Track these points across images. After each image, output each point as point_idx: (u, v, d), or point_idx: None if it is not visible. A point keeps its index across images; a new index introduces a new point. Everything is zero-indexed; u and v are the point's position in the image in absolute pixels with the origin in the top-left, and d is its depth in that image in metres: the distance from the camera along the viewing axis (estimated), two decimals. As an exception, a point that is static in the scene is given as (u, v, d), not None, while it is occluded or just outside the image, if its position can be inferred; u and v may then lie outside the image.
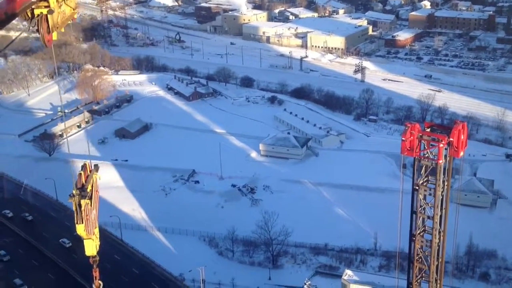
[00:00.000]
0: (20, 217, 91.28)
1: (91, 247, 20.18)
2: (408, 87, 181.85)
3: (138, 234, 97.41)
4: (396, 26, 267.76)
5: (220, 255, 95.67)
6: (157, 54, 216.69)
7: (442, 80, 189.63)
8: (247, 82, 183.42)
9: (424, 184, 45.28)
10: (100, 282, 21.21)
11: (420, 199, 45.71)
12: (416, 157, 44.32)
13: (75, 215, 18.98)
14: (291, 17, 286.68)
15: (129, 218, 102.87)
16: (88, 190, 19.45)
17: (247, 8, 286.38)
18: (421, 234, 46.95)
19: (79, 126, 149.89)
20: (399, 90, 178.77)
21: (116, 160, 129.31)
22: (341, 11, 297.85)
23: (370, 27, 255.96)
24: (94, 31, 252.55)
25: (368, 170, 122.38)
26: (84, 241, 20.04)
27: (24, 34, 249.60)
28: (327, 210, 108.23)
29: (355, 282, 74.92)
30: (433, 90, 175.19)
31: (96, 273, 21.68)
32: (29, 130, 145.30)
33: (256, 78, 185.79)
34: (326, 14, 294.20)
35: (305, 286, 77.04)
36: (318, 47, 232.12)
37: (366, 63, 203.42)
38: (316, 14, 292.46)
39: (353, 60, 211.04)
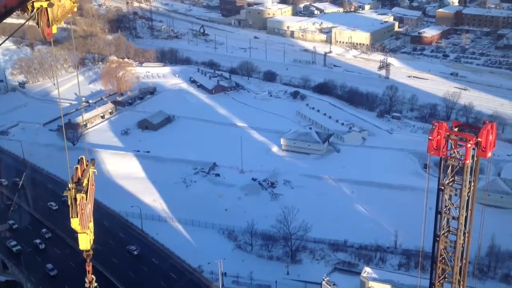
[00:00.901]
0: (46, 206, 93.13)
1: (85, 241, 20.00)
2: (433, 84, 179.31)
3: (159, 225, 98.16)
4: (423, 22, 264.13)
5: (239, 248, 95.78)
6: (181, 47, 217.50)
7: (468, 78, 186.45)
8: (270, 77, 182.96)
9: (450, 184, 44.54)
10: (93, 276, 21.02)
11: (446, 200, 45.03)
12: (443, 157, 43.56)
13: (70, 209, 18.94)
14: (316, 12, 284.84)
15: (150, 209, 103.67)
16: (84, 184, 19.38)
17: (272, 2, 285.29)
18: (445, 234, 46.27)
19: (102, 117, 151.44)
20: (424, 87, 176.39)
21: (138, 151, 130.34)
22: (367, 7, 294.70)
23: (396, 23, 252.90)
24: (120, 23, 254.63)
25: (390, 167, 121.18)
26: (79, 235, 19.98)
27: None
28: (348, 206, 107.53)
29: (374, 279, 74.36)
30: (459, 88, 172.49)
31: (89, 267, 21.43)
32: (53, 120, 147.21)
33: (279, 73, 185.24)
34: (352, 10, 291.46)
35: (324, 282, 76.65)
36: (343, 42, 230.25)
37: (391, 60, 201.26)
38: (341, 9, 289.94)
39: (378, 56, 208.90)
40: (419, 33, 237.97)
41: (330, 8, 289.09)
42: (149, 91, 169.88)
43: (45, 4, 14.54)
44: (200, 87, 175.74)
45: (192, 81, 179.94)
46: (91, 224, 19.94)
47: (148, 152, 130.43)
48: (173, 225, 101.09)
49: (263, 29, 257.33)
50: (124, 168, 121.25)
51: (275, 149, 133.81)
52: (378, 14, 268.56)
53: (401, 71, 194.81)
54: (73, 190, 18.82)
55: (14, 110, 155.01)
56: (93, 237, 20.21)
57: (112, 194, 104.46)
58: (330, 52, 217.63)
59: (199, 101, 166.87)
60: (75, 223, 18.92)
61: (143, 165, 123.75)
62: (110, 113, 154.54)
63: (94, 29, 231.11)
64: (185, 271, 78.35)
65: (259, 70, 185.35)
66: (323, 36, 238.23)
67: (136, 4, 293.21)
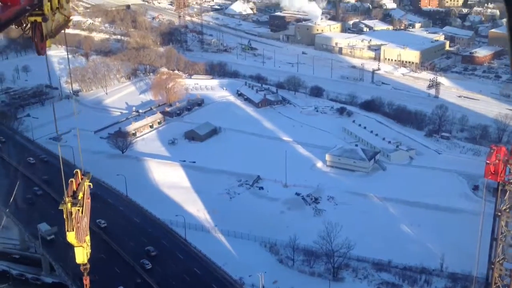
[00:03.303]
0: None
1: (82, 255, 20.12)
2: (484, 105, 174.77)
3: (202, 234, 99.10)
4: (475, 42, 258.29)
5: (281, 263, 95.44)
6: (230, 60, 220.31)
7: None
8: (316, 92, 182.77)
9: (507, 210, 43.14)
10: None
11: (502, 226, 43.60)
12: (500, 182, 42.21)
13: (66, 222, 19.01)
14: (365, 29, 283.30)
15: (194, 219, 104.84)
16: (79, 197, 19.42)
17: (321, 19, 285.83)
18: (501, 262, 44.78)
19: (151, 126, 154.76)
20: (475, 108, 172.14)
21: (184, 161, 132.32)
22: (417, 25, 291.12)
23: (447, 43, 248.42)
24: (171, 35, 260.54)
25: (438, 188, 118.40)
26: (75, 248, 20.05)
27: (105, 36, 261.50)
28: (393, 226, 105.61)
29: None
30: (511, 110, 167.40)
31: (86, 281, 21.41)
32: (104, 128, 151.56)
33: (326, 88, 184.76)
34: (402, 28, 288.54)
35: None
36: (392, 60, 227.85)
37: (441, 79, 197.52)
38: (391, 27, 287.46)
39: (427, 75, 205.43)
40: (470, 53, 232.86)
41: (379, 26, 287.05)
42: (197, 103, 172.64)
43: (39, 19, 14.44)
44: (247, 100, 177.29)
45: (239, 94, 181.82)
46: (88, 238, 20.08)
47: (194, 162, 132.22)
48: (216, 236, 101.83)
49: (311, 45, 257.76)
50: (170, 177, 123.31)
51: (319, 164, 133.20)
52: (429, 33, 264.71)
53: (451, 91, 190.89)
54: (69, 203, 18.99)
55: (67, 117, 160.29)
56: (89, 250, 20.36)
57: (157, 202, 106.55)
58: (379, 69, 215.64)
59: (246, 114, 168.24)
60: (71, 237, 19.11)
61: (188, 175, 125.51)
62: (159, 123, 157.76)
63: (147, 41, 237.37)
64: (226, 282, 78.74)
65: (306, 85, 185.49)
66: (372, 53, 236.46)
67: (188, 18, 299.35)
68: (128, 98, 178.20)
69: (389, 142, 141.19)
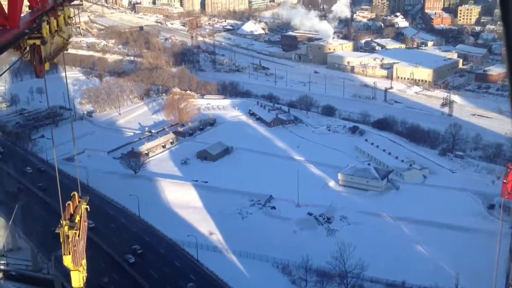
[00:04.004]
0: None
1: (78, 279, 19.78)
2: (499, 123, 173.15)
3: (213, 255, 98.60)
4: (488, 60, 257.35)
5: (293, 284, 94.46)
6: (242, 80, 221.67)
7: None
8: (328, 111, 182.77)
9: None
10: None
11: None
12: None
13: (62, 246, 18.72)
14: (377, 47, 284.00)
15: (206, 239, 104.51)
16: (76, 220, 19.15)
17: (333, 38, 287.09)
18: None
19: (164, 146, 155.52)
20: (489, 126, 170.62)
21: (197, 181, 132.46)
22: (430, 43, 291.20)
23: (460, 61, 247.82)
24: (184, 56, 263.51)
25: (452, 207, 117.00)
26: (71, 272, 19.68)
27: (119, 57, 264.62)
28: (406, 246, 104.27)
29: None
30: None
31: None
32: (117, 148, 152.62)
33: (338, 107, 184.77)
34: (414, 46, 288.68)
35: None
36: (404, 78, 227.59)
37: (455, 97, 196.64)
38: (403, 46, 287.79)
39: (440, 93, 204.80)
40: (484, 70, 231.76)
41: (392, 44, 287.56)
42: (209, 123, 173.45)
43: (38, 42, 14.49)
44: (259, 119, 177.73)
45: (251, 114, 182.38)
46: (84, 261, 19.75)
47: (206, 182, 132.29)
48: (228, 256, 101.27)
49: (323, 64, 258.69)
50: (182, 197, 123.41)
51: (332, 184, 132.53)
52: (442, 51, 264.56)
53: (464, 109, 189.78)
54: (66, 226, 18.70)
55: (81, 137, 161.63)
56: (85, 274, 20.00)
57: (169, 222, 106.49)
58: (391, 88, 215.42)
59: (258, 134, 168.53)
60: (67, 261, 18.77)
61: (200, 195, 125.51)
62: (171, 143, 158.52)
63: (160, 62, 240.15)
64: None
65: (318, 104, 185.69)
66: (384, 72, 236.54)
67: (200, 38, 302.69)
68: (141, 118, 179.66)
69: (402, 161, 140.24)
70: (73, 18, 17.41)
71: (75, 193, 19.65)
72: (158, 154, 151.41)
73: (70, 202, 19.59)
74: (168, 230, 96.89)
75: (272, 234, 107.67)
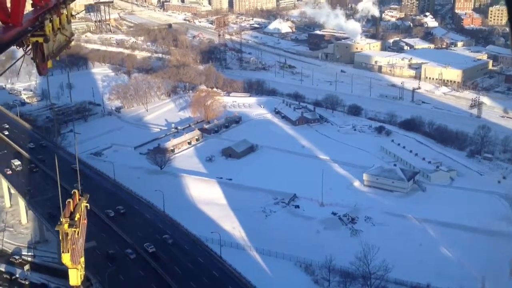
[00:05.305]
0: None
1: (76, 277, 19.70)
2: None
3: (237, 252, 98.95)
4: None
5: (316, 283, 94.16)
6: (268, 78, 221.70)
7: None
8: (354, 110, 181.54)
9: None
10: None
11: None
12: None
13: (61, 244, 18.51)
14: (405, 47, 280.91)
15: (229, 236, 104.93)
16: (76, 218, 18.94)
17: (361, 37, 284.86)
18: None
19: (189, 143, 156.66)
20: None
21: (221, 178, 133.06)
22: (459, 44, 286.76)
23: (490, 62, 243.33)
24: (211, 54, 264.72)
25: (479, 210, 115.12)
26: (69, 270, 19.57)
27: (147, 54, 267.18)
28: (432, 248, 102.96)
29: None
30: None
31: None
32: (144, 144, 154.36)
33: (364, 107, 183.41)
34: (443, 46, 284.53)
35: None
36: (432, 79, 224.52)
37: (484, 99, 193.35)
38: (432, 46, 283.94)
39: (469, 95, 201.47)
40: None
41: (420, 44, 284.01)
42: (234, 120, 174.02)
43: (40, 40, 14.44)
44: (284, 118, 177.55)
45: (277, 112, 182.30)
46: (82, 259, 19.68)
47: (231, 179, 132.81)
48: (251, 254, 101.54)
49: (350, 63, 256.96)
50: (206, 194, 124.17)
51: (357, 184, 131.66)
52: (471, 52, 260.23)
53: (493, 111, 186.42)
54: (66, 224, 18.60)
55: (108, 133, 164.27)
56: (83, 272, 19.91)
57: (194, 218, 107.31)
58: (419, 88, 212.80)
59: (283, 132, 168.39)
60: (66, 259, 18.76)
61: (224, 192, 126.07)
62: (197, 140, 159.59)
63: (187, 59, 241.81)
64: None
65: (344, 104, 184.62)
66: (412, 72, 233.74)
67: (227, 36, 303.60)
68: (167, 115, 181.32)
69: (429, 162, 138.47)
70: (75, 16, 17.40)
71: (76, 191, 19.61)
72: (184, 151, 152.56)
73: (71, 200, 19.42)
74: (192, 226, 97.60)
75: (295, 233, 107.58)
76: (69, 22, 16.46)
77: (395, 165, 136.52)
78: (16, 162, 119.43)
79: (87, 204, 19.75)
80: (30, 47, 14.61)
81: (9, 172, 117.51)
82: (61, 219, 18.80)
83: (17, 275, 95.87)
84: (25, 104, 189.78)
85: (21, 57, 15.17)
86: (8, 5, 13.50)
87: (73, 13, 16.85)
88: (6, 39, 13.03)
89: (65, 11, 16.00)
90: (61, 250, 18.67)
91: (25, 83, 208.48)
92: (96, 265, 78.79)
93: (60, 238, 18.62)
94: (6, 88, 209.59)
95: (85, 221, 19.91)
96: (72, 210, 19.34)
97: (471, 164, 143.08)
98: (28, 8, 14.85)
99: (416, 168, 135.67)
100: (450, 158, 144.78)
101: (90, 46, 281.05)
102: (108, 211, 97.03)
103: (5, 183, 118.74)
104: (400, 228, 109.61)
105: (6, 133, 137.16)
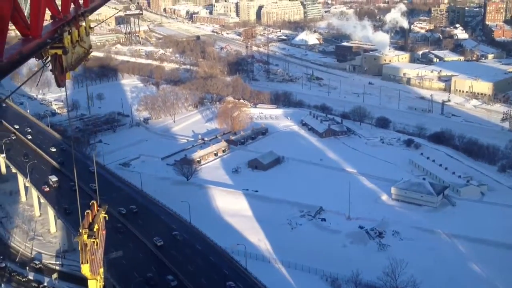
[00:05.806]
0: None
1: None
2: None
3: (262, 264, 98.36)
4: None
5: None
6: (295, 90, 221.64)
7: None
8: (382, 123, 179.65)
9: None
10: None
11: None
12: None
13: (81, 255, 18.47)
14: (435, 59, 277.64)
15: (254, 248, 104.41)
16: (95, 229, 18.93)
17: (389, 49, 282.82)
18: None
19: (215, 154, 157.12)
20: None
21: (247, 190, 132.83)
22: (490, 56, 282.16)
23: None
24: (238, 65, 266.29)
25: (511, 226, 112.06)
26: (88, 281, 19.41)
27: (175, 65, 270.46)
28: (461, 264, 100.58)
29: None
30: None
31: None
32: (171, 154, 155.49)
33: (392, 119, 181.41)
34: (474, 58, 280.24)
35: None
36: (463, 91, 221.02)
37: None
38: (462, 58, 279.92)
39: (501, 108, 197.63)
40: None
41: (450, 56, 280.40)
42: (261, 132, 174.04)
43: (59, 52, 14.50)
44: (311, 130, 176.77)
45: (303, 124, 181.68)
46: (101, 270, 19.55)
47: (257, 191, 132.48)
48: (276, 266, 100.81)
49: (378, 75, 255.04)
50: (232, 205, 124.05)
51: (384, 197, 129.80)
52: (502, 64, 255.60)
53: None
54: (85, 235, 18.61)
55: (136, 143, 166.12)
56: (103, 283, 19.74)
57: (219, 230, 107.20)
58: (449, 100, 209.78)
59: (309, 144, 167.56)
60: (85, 269, 18.70)
61: (250, 203, 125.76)
62: (223, 151, 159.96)
63: (214, 70, 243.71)
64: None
65: (371, 116, 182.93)
66: (442, 84, 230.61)
67: (254, 48, 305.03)
68: (194, 126, 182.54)
69: (459, 176, 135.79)
70: (93, 29, 17.51)
71: (94, 202, 19.64)
72: (210, 162, 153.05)
73: (89, 211, 19.60)
74: (218, 237, 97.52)
75: (321, 246, 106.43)
76: (87, 34, 16.55)
77: (424, 179, 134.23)
78: (54, 178, 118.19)
79: (106, 215, 19.76)
80: (49, 59, 14.73)
81: (47, 189, 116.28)
82: (80, 230, 18.85)
83: (45, 284, 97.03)
84: (55, 115, 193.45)
85: (40, 69, 15.30)
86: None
87: (92, 25, 16.92)
88: (25, 51, 13.11)
89: (83, 24, 16.11)
90: (80, 261, 18.68)
91: (56, 93, 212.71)
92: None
93: (80, 249, 18.65)
94: (38, 99, 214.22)
95: (104, 232, 19.92)
96: (91, 221, 19.56)
97: (502, 179, 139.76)
98: (48, 20, 14.89)
99: (446, 183, 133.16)
100: (481, 172, 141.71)
101: (120, 57, 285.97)
102: (157, 239, 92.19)
103: (35, 193, 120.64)
104: (429, 243, 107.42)
105: (44, 147, 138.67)
